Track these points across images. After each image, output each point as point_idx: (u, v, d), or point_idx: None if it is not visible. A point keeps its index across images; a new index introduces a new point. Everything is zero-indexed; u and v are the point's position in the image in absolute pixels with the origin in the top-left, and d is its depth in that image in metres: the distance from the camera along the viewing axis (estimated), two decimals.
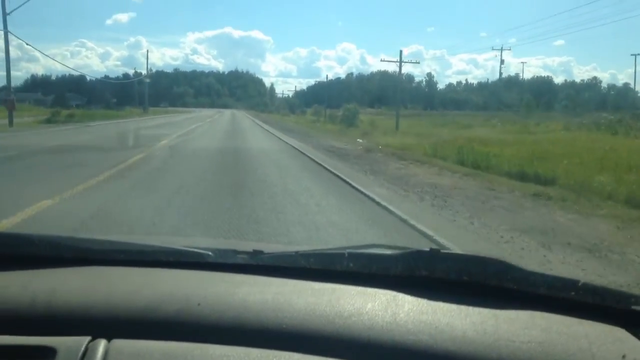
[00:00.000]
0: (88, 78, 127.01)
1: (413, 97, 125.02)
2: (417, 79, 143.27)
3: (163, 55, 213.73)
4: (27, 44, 65.98)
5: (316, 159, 13.12)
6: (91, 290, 1.08)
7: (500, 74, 74.80)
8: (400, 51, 39.19)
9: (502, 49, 64.04)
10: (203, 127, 32.45)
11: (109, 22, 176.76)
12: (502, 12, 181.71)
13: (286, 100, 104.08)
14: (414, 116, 57.04)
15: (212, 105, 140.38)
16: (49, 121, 35.42)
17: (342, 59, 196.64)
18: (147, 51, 71.93)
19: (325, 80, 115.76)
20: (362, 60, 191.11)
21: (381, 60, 34.54)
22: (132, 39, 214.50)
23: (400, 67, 39.17)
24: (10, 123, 26.94)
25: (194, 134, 23.76)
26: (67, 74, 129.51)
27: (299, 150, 15.82)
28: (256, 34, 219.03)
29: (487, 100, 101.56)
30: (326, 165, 11.76)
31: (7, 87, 30.17)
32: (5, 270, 1.18)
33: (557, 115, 48.33)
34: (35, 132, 23.77)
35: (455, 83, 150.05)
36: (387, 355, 0.91)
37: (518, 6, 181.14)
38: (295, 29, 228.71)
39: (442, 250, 1.12)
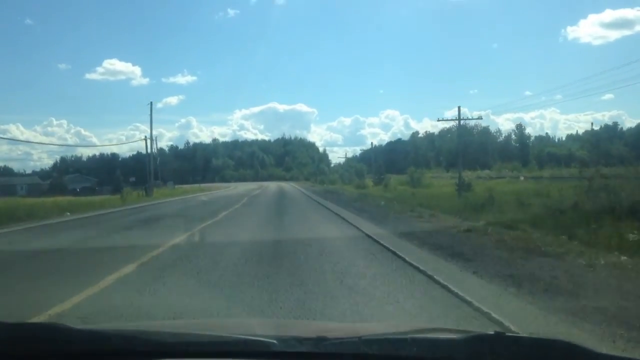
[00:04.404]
0: (120, 157, 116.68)
1: (502, 154, 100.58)
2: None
3: (212, 132, 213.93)
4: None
5: None
6: None
7: None
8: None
9: None
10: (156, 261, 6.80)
11: (160, 105, 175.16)
12: (546, 71, 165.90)
13: (349, 166, 79.99)
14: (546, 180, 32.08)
15: (255, 177, 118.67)
16: None
17: (386, 125, 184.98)
18: (151, 109, 49.33)
19: (371, 146, 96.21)
20: (407, 125, 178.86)
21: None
22: (182, 120, 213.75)
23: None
24: None
25: None
26: (98, 154, 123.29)
27: None
28: (300, 106, 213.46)
29: (591, 154, 79.10)
30: None
31: None
32: None
33: None
34: None
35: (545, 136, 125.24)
36: None
37: (563, 64, 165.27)
38: (338, 99, 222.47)
39: (507, 334, 1.07)
